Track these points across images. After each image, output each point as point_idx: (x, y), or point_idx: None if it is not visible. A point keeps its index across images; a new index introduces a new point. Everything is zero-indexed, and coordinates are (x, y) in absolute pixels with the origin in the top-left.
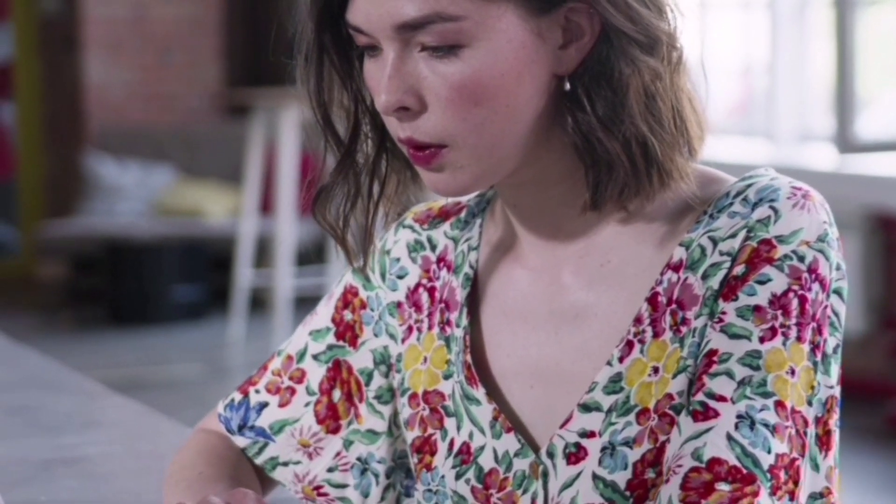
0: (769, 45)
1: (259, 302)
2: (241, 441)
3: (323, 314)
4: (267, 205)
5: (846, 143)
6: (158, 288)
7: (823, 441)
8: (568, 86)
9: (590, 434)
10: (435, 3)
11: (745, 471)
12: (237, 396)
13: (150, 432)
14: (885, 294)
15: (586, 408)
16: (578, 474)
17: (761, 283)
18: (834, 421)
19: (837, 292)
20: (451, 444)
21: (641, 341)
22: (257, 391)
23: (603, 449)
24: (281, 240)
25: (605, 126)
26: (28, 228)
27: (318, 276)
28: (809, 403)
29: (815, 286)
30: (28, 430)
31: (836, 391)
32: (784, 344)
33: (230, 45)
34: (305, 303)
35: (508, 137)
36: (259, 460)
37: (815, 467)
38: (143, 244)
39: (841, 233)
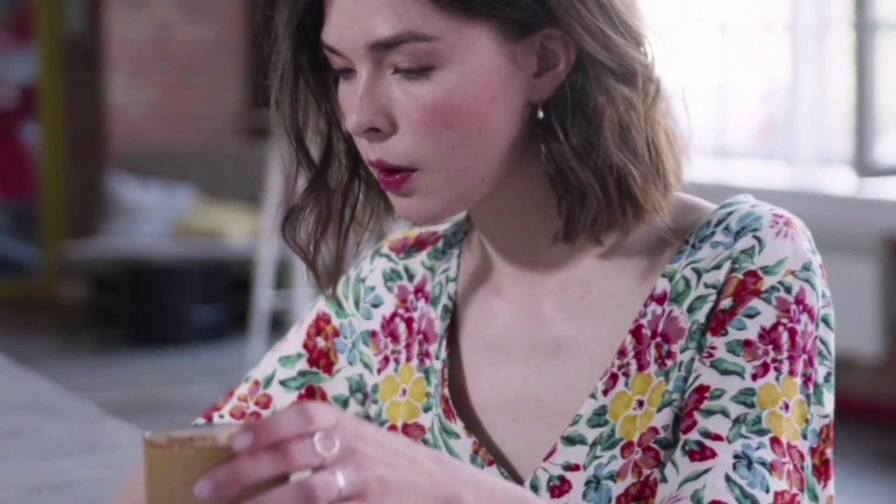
0: (789, 68)
1: (279, 324)
2: None
3: (294, 340)
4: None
5: (865, 166)
6: (179, 309)
7: (821, 471)
8: (541, 114)
9: (574, 467)
10: (409, 22)
11: None
12: (200, 422)
13: None
14: None
15: (570, 441)
16: None
17: (750, 316)
18: (830, 450)
19: (825, 320)
20: None
21: (626, 374)
22: (221, 416)
23: (587, 483)
24: (301, 262)
25: (578, 155)
26: (50, 248)
27: None
28: (804, 437)
29: (804, 317)
30: (21, 454)
31: (830, 419)
32: (777, 379)
33: (253, 67)
34: None
35: (480, 163)
36: None
37: (814, 497)
38: (164, 265)
39: (859, 257)
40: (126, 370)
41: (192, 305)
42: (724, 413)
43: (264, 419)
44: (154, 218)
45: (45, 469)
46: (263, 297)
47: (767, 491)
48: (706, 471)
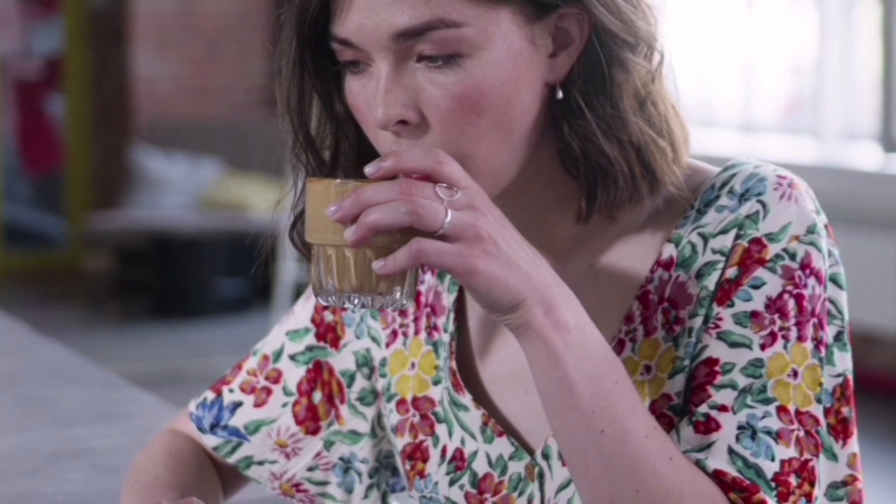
0: (816, 43)
1: (302, 295)
2: (212, 440)
3: (301, 314)
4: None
5: (892, 142)
6: (204, 281)
7: (838, 430)
8: (560, 93)
9: None
10: (437, 9)
11: (746, 482)
12: (210, 395)
13: (162, 426)
14: None
15: None
16: None
17: (755, 287)
18: (847, 408)
19: (833, 279)
20: (444, 450)
21: (633, 340)
22: (231, 390)
23: None
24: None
25: (602, 131)
26: (75, 220)
27: None
28: (818, 401)
29: (811, 281)
30: (39, 422)
31: (846, 378)
32: (785, 347)
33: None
34: None
35: (506, 148)
36: (232, 459)
37: (833, 457)
38: (189, 237)
39: (884, 232)
40: (150, 342)
41: (216, 277)
42: (733, 386)
43: (395, 151)
44: (179, 190)
45: (62, 436)
46: (287, 270)
47: (773, 459)
48: (710, 444)
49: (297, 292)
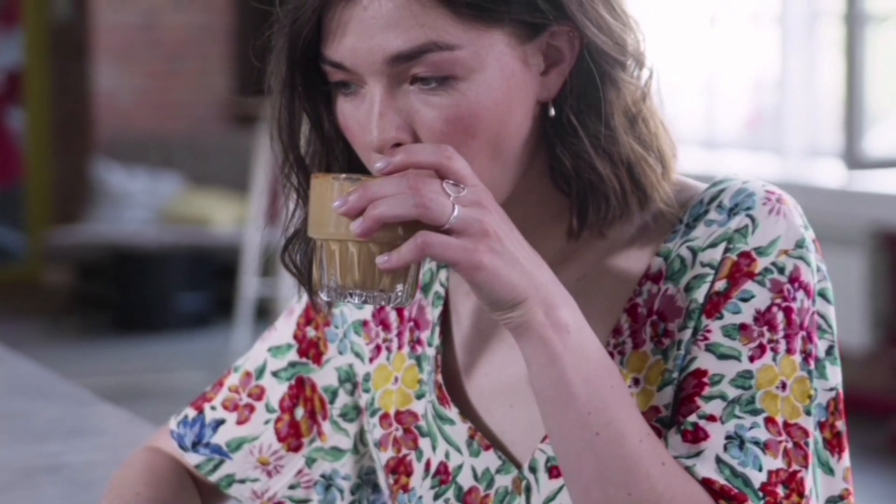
0: (779, 60)
1: (264, 311)
2: (193, 458)
3: (283, 330)
4: (273, 214)
5: (854, 159)
6: (164, 296)
7: (833, 444)
8: (552, 111)
9: None
10: (430, 32)
11: (734, 491)
12: (191, 413)
13: (136, 441)
14: (891, 311)
15: None
16: (561, 488)
17: (744, 300)
18: (840, 422)
19: (822, 294)
20: (428, 464)
21: (621, 353)
22: (213, 408)
23: None
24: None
25: (594, 149)
26: (35, 234)
27: None
28: (808, 413)
29: (800, 294)
30: (12, 437)
31: (838, 392)
32: (774, 359)
33: (240, 54)
34: None
35: (499, 168)
36: (213, 477)
37: (830, 471)
38: (150, 252)
39: (847, 249)
40: (110, 356)
41: (177, 292)
42: (723, 397)
43: (404, 146)
44: (139, 204)
45: (36, 452)
46: (249, 285)
47: (760, 469)
48: (698, 453)
49: (259, 308)
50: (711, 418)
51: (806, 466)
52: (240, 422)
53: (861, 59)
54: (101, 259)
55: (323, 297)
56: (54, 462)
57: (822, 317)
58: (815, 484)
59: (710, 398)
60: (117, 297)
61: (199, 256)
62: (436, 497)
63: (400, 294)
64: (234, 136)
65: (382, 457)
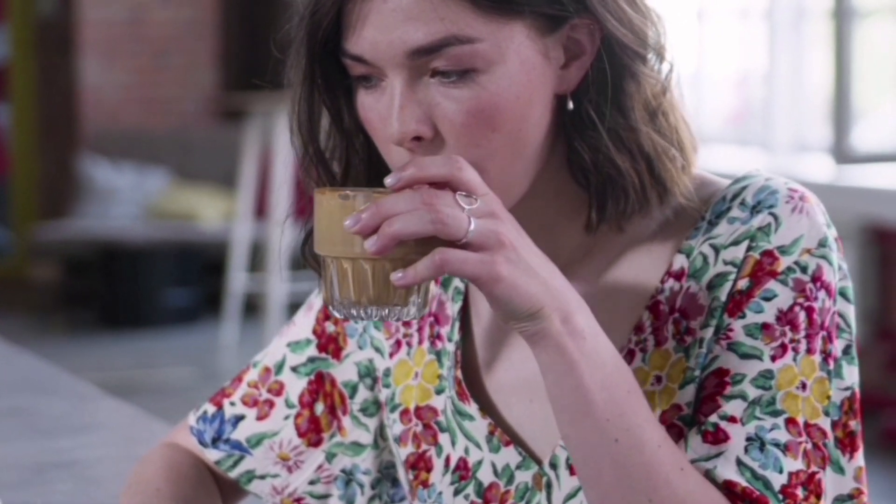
0: (766, 55)
1: (252, 307)
2: (214, 454)
3: (302, 325)
4: (261, 209)
5: (843, 153)
6: (152, 291)
7: (846, 443)
8: (571, 104)
9: None
10: (451, 26)
11: (756, 493)
12: (210, 409)
13: (144, 436)
14: (881, 305)
15: None
16: None
17: (767, 299)
18: (855, 422)
19: (842, 293)
20: (448, 460)
21: (643, 350)
22: (232, 403)
23: None
24: (275, 244)
25: (613, 142)
26: (21, 230)
27: (311, 281)
28: (826, 414)
29: (821, 294)
30: (21, 433)
31: (853, 391)
32: (795, 359)
33: (226, 49)
34: (299, 308)
35: (519, 161)
36: (234, 473)
37: (840, 470)
38: (137, 247)
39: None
40: (98, 353)
41: (164, 288)
42: (744, 397)
43: (414, 159)
44: (126, 200)
45: (46, 448)
46: (237, 280)
47: (781, 472)
48: (718, 454)
49: (247, 303)
50: (732, 419)
51: (824, 468)
52: (259, 417)
53: (848, 54)
54: (89, 255)
55: (335, 314)
56: (64, 458)
57: (842, 316)
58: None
59: (731, 397)
60: (104, 292)
61: (186, 252)
62: (456, 493)
63: (413, 308)
64: (221, 131)
65: (402, 452)
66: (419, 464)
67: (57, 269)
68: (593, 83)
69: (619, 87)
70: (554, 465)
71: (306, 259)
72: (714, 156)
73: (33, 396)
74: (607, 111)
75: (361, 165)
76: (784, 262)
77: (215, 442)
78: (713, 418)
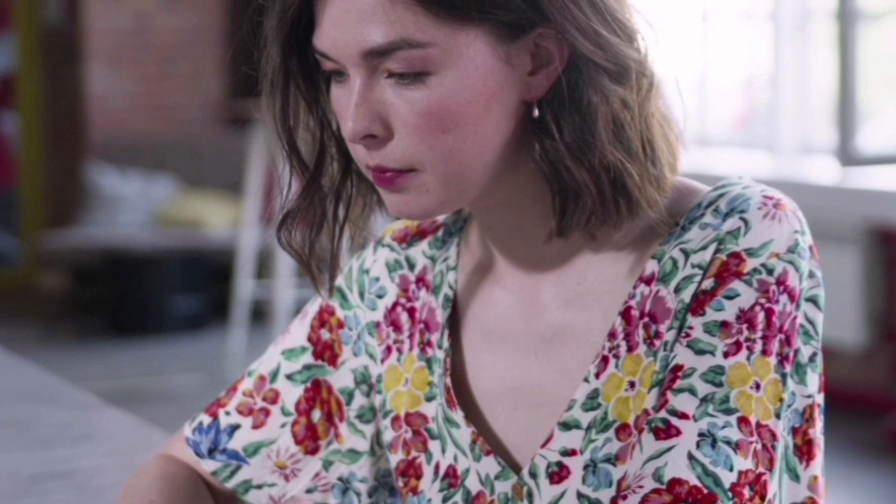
0: (771, 57)
1: (259, 313)
2: (210, 465)
3: (297, 333)
4: (268, 216)
5: (848, 156)
6: (159, 299)
7: (804, 451)
8: (536, 112)
9: (571, 452)
10: (402, 30)
11: (705, 491)
12: (205, 419)
13: (144, 445)
14: (886, 307)
15: (566, 426)
16: (563, 493)
17: (729, 298)
18: (816, 430)
19: (812, 300)
20: (437, 467)
21: (616, 356)
22: (227, 413)
23: (585, 467)
24: (281, 251)
25: (572, 153)
26: (29, 239)
27: None
28: (777, 416)
29: (783, 297)
30: (20, 443)
31: (817, 399)
32: (748, 358)
33: (232, 57)
34: None
35: (476, 163)
36: (231, 483)
37: (796, 478)
38: (144, 255)
39: (841, 246)
40: (106, 360)
41: (171, 295)
42: (692, 391)
43: None
44: (133, 208)
45: (45, 458)
46: (244, 287)
47: (731, 469)
48: (669, 449)
49: (254, 310)
50: (684, 416)
51: (770, 470)
52: (255, 426)
53: (853, 56)
54: (96, 263)
55: None
56: (63, 468)
57: (811, 323)
58: (780, 489)
59: (679, 391)
60: (112, 300)
61: (193, 259)
62: (444, 500)
63: None
64: (228, 138)
65: (393, 459)
66: (409, 471)
67: (64, 277)
68: (558, 93)
69: (582, 99)
70: (533, 475)
71: (282, 245)
72: (720, 159)
73: (32, 406)
74: (567, 122)
75: (339, 155)
76: (751, 264)
77: (211, 452)
78: (662, 413)
